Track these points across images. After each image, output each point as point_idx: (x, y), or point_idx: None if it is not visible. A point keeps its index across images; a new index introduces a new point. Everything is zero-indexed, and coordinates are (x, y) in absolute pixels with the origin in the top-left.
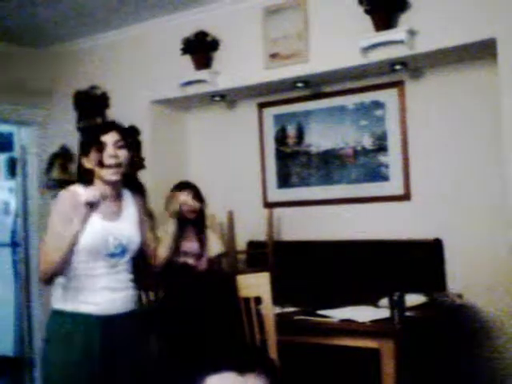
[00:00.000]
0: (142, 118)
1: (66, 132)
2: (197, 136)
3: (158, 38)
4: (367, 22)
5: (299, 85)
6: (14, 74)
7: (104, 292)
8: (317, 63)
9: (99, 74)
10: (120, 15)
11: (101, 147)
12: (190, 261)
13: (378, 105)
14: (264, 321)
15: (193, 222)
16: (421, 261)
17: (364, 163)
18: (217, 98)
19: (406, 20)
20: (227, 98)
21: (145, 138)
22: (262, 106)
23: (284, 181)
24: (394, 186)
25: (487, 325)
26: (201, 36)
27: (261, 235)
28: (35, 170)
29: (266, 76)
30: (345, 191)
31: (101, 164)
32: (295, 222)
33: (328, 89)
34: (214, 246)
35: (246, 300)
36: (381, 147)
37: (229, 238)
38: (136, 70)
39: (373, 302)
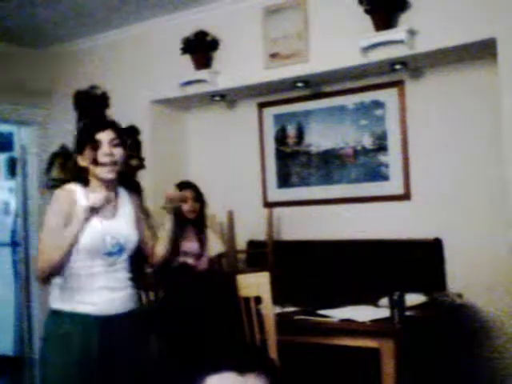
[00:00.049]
0: (142, 117)
1: (66, 132)
2: (197, 136)
3: (157, 37)
4: (367, 21)
5: (299, 85)
6: (13, 74)
7: (102, 292)
8: (317, 63)
9: (99, 74)
10: (119, 15)
11: (95, 145)
12: (190, 260)
13: (377, 104)
14: (264, 321)
15: (193, 222)
16: (421, 261)
17: (364, 163)
18: (217, 98)
19: (405, 20)
20: (227, 97)
21: (145, 137)
22: (261, 105)
23: (284, 180)
24: (393, 186)
25: (487, 324)
26: (201, 36)
27: (261, 235)
28: (35, 170)
29: (266, 76)
30: (345, 191)
31: (95, 162)
32: (295, 221)
33: (328, 89)
34: (214, 246)
35: (246, 300)
36: (381, 147)
37: (229, 237)
38: (136, 70)
39: (373, 301)
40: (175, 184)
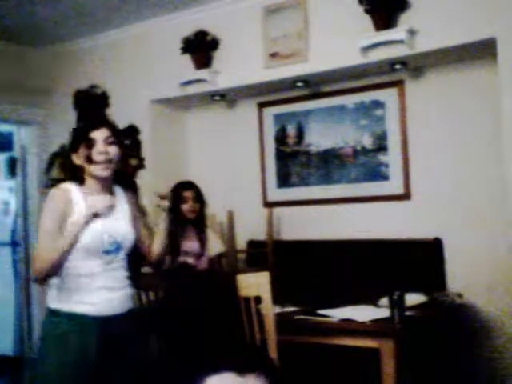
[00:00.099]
0: (142, 117)
1: (66, 132)
2: (197, 136)
3: (157, 37)
4: (367, 21)
5: (299, 84)
6: (13, 73)
7: (101, 292)
8: (317, 63)
9: (99, 74)
10: (120, 15)
11: (90, 144)
12: (190, 260)
13: (377, 104)
14: (264, 320)
15: (193, 222)
16: (421, 260)
17: (364, 163)
18: (217, 98)
19: (406, 20)
20: (227, 97)
21: (145, 137)
22: (261, 105)
23: (284, 180)
24: (393, 186)
25: (487, 325)
26: (201, 35)
27: (261, 235)
28: (35, 170)
29: (266, 75)
30: (345, 191)
31: (90, 160)
32: (295, 221)
33: (328, 88)
34: (214, 246)
35: (246, 300)
36: (381, 147)
37: (229, 237)
38: (136, 70)
39: (373, 301)
40: (175, 184)
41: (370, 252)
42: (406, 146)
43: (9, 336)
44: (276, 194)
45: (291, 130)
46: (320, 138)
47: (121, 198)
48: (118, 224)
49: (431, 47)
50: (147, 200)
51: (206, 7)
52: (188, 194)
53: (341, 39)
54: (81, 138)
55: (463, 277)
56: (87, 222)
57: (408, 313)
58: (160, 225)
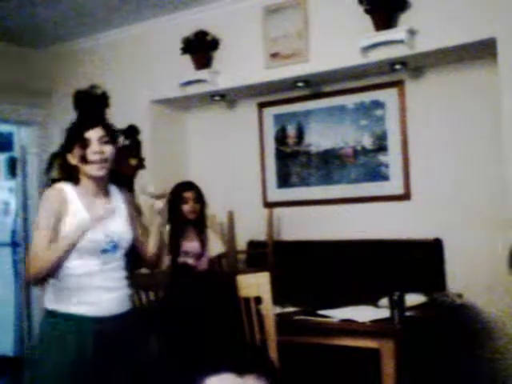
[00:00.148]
0: (142, 117)
1: None
2: (197, 136)
3: (158, 37)
4: (367, 21)
5: (299, 84)
6: (13, 74)
7: (98, 292)
8: (317, 63)
9: (99, 74)
10: (120, 15)
11: (84, 144)
12: (191, 261)
13: (377, 104)
14: (264, 321)
15: (193, 222)
16: (421, 261)
17: (364, 163)
18: (217, 98)
19: (405, 20)
20: (227, 97)
21: (145, 137)
22: (262, 105)
23: (284, 181)
24: (393, 186)
25: (488, 325)
26: (201, 35)
27: (261, 235)
28: (35, 170)
29: (266, 75)
30: (345, 191)
31: (84, 160)
32: (295, 221)
33: (328, 88)
34: (215, 246)
35: (246, 300)
36: (381, 147)
37: (229, 237)
38: (136, 70)
39: (373, 301)
40: (176, 184)
41: (370, 252)
42: (406, 146)
43: (9, 336)
44: (276, 194)
45: (291, 130)
46: (320, 138)
47: (117, 198)
48: (115, 223)
49: (431, 47)
50: (143, 199)
51: (206, 7)
52: (188, 194)
53: (341, 39)
54: (75, 137)
55: (463, 277)
56: (86, 231)
57: (408, 313)
58: (154, 225)
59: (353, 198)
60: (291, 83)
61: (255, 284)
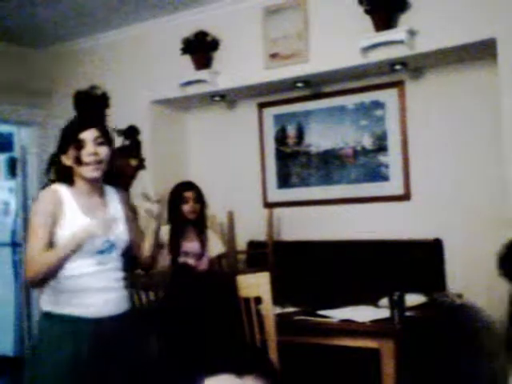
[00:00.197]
0: (142, 117)
1: None
2: (197, 136)
3: (158, 37)
4: (367, 21)
5: (299, 85)
6: (13, 74)
7: (95, 293)
8: (317, 63)
9: (99, 74)
10: (120, 15)
11: (79, 145)
12: (191, 261)
13: (377, 105)
14: (264, 321)
15: (193, 223)
16: (421, 261)
17: (364, 163)
18: (217, 98)
19: (405, 20)
20: (227, 98)
21: (145, 137)
22: (262, 106)
23: (284, 181)
24: (393, 186)
25: (488, 325)
26: (201, 36)
27: (261, 235)
28: (35, 170)
29: (266, 76)
30: (345, 191)
31: (79, 161)
32: (295, 222)
33: (328, 89)
34: (215, 246)
35: (246, 300)
36: (381, 147)
37: (229, 238)
38: (136, 70)
39: (373, 301)
40: (176, 184)
41: (370, 252)
42: (406, 146)
43: (9, 336)
44: (276, 194)
45: (291, 131)
46: (320, 138)
47: (113, 198)
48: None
49: (431, 48)
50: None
51: (206, 8)
52: (188, 194)
53: (341, 40)
54: (70, 138)
55: (463, 277)
56: (84, 243)
57: (408, 313)
58: (150, 228)
59: (353, 199)
60: (291, 83)
61: (255, 284)
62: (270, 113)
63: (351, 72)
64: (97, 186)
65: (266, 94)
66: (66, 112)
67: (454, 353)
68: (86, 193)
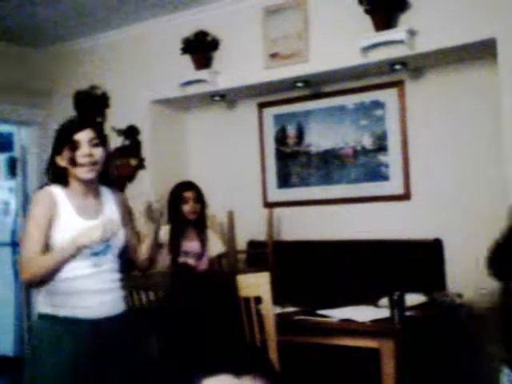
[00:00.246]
0: (142, 117)
1: None
2: (197, 136)
3: (158, 37)
4: (367, 21)
5: (299, 85)
6: (13, 74)
7: (91, 295)
8: (317, 63)
9: (99, 74)
10: (120, 15)
11: (74, 146)
12: (191, 261)
13: (377, 105)
14: (264, 321)
15: (193, 223)
16: (421, 261)
17: (364, 163)
18: (217, 98)
19: (405, 20)
20: (227, 97)
21: (145, 137)
22: (262, 105)
23: (284, 181)
24: (393, 186)
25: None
26: (201, 36)
27: (261, 235)
28: (35, 170)
29: (266, 76)
30: (345, 191)
31: (73, 163)
32: (295, 221)
33: (328, 89)
34: (215, 246)
35: (246, 300)
36: (381, 147)
37: (229, 237)
38: (136, 70)
39: (373, 301)
40: (176, 184)
41: (370, 252)
42: (406, 146)
43: (9, 336)
44: (276, 194)
45: (291, 131)
46: (320, 138)
47: (108, 199)
48: None
49: (431, 47)
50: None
51: (206, 7)
52: (188, 194)
53: (341, 39)
54: (64, 139)
55: (463, 277)
56: (82, 248)
57: (408, 313)
58: (150, 230)
59: (353, 198)
60: (291, 83)
61: (255, 284)
62: (269, 113)
63: (351, 72)
64: (92, 187)
65: (265, 94)
66: (66, 112)
67: (453, 353)
68: (81, 194)
